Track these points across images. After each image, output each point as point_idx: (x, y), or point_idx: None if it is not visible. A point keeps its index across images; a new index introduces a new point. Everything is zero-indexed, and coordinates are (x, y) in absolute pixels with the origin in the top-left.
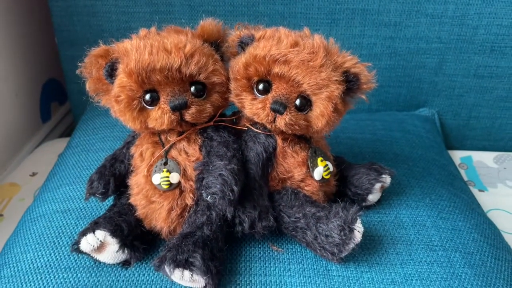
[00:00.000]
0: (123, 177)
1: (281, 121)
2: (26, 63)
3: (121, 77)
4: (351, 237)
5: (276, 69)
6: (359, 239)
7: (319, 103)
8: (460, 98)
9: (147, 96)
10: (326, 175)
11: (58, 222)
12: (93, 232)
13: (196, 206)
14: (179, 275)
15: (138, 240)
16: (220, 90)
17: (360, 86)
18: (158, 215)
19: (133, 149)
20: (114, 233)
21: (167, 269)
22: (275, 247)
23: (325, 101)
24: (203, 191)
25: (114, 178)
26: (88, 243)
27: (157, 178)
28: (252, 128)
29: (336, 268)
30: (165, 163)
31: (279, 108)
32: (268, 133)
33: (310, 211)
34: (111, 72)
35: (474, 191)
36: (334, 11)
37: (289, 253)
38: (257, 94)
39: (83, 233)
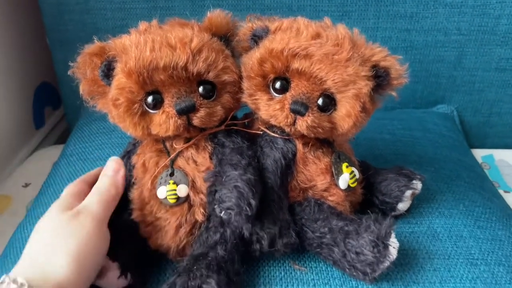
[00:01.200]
0: (124, 190)
1: (303, 124)
2: (17, 66)
3: (119, 78)
4: (385, 254)
5: (296, 64)
6: (395, 256)
7: (345, 102)
8: (481, 93)
9: (149, 99)
10: (352, 183)
11: None
12: None
13: (208, 222)
14: None
15: (142, 262)
16: (232, 90)
17: (390, 81)
18: (165, 233)
19: (134, 159)
20: (114, 256)
21: None
22: (297, 266)
23: (352, 99)
24: (216, 206)
25: None
26: None
27: (162, 192)
28: (268, 132)
29: None
30: (171, 174)
31: (299, 109)
32: (287, 137)
33: (337, 225)
34: (108, 72)
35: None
36: (346, 2)
37: (314, 273)
38: (274, 93)
39: None
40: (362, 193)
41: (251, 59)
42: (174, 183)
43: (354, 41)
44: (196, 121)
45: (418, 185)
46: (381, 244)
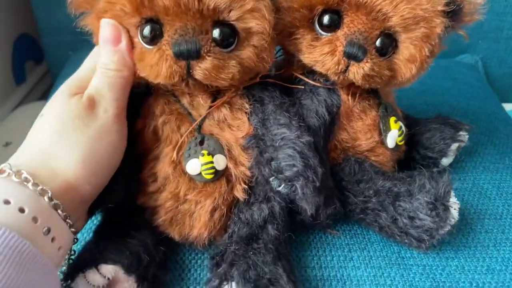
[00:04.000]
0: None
1: (358, 71)
2: None
3: None
4: (446, 218)
5: None
6: (457, 219)
7: (410, 44)
8: (509, 41)
9: (146, 30)
10: (400, 140)
11: None
12: (96, 268)
13: (249, 197)
14: None
15: (160, 266)
16: (258, 44)
17: (461, 17)
18: (196, 219)
19: (139, 123)
20: (129, 267)
21: None
22: (329, 229)
23: (420, 41)
24: (272, 178)
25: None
26: (88, 283)
27: (195, 166)
28: (308, 80)
29: (413, 255)
30: (201, 142)
31: (356, 52)
32: (330, 86)
33: (384, 186)
34: None
35: None
36: None
37: (348, 237)
38: (320, 31)
39: (78, 267)
40: (405, 149)
41: None
42: (208, 153)
43: None
44: (198, 72)
45: (465, 137)
46: (440, 206)
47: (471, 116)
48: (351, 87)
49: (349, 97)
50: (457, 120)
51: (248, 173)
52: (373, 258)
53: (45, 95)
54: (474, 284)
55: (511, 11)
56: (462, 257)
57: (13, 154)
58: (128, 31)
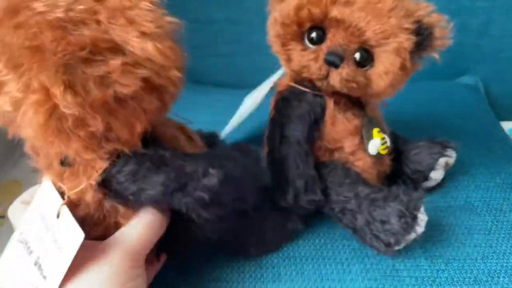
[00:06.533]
0: None
1: (336, 76)
2: None
3: None
4: (413, 226)
5: (335, 12)
6: (422, 230)
7: (383, 58)
8: (508, 62)
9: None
10: (383, 149)
11: None
12: None
13: None
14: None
15: None
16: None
17: (432, 41)
18: None
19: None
20: None
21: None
22: None
23: (391, 54)
24: None
25: None
26: None
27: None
28: (297, 86)
29: (406, 267)
30: None
31: (334, 59)
32: (317, 93)
33: (363, 191)
34: None
35: None
36: None
37: (347, 251)
38: (309, 44)
39: None
40: (391, 164)
41: (288, 5)
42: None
43: None
44: None
45: (452, 153)
46: (409, 214)
47: (466, 137)
48: (335, 95)
49: (333, 105)
50: (444, 139)
51: None
52: (369, 271)
53: None
54: None
55: (508, 34)
56: (452, 269)
57: None
58: None
